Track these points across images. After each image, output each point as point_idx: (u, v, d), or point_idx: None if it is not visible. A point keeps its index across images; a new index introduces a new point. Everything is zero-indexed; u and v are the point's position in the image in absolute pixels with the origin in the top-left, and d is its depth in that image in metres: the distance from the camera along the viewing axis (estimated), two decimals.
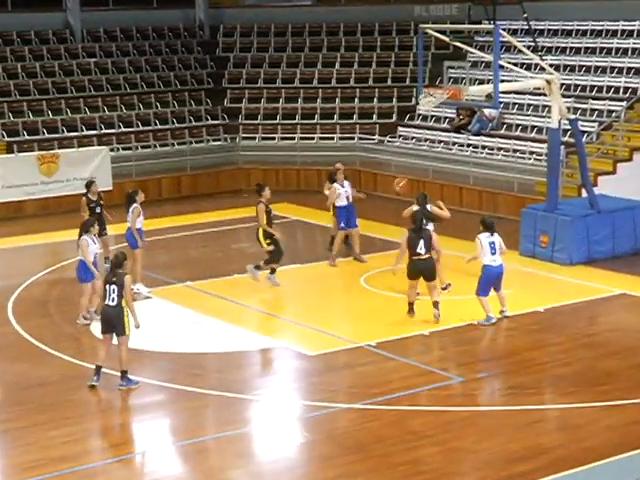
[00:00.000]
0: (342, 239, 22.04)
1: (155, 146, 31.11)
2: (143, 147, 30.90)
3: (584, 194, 23.12)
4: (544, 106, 27.68)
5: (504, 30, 26.38)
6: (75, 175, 28.09)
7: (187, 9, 37.19)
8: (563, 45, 30.99)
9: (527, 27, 28.70)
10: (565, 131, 23.90)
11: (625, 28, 30.19)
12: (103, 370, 15.32)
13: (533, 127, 28.27)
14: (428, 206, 19.68)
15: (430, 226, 19.29)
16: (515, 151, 27.41)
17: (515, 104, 29.43)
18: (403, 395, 14.82)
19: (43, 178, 27.98)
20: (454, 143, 29.49)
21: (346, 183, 22.12)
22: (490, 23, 29.23)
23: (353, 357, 16.55)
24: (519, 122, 28.88)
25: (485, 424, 14.08)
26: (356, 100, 32.90)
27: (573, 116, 23.23)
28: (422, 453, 13.04)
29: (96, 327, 16.67)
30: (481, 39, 31.45)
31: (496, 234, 17.93)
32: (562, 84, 24.07)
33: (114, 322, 15.12)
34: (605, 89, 28.43)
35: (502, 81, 22.84)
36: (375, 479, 12.44)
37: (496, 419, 14.16)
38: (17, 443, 13.67)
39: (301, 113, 32.75)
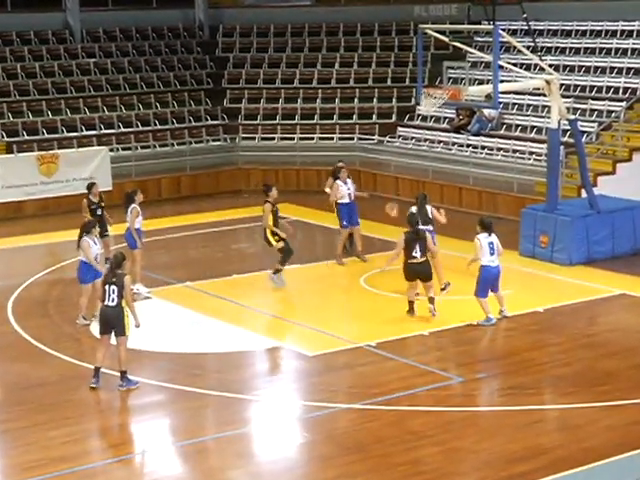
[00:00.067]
0: (346, 237, 22.06)
1: (155, 146, 31.12)
2: (143, 147, 30.90)
3: (584, 194, 23.12)
4: (544, 106, 27.68)
5: (503, 30, 26.39)
6: (75, 175, 28.10)
7: (187, 9, 37.20)
8: (562, 45, 31.00)
9: (527, 27, 28.71)
10: (565, 131, 23.89)
11: (624, 28, 30.20)
12: (102, 370, 15.32)
13: (533, 127, 28.27)
14: (428, 207, 19.68)
15: (430, 226, 19.32)
16: (515, 151, 27.42)
17: (515, 104, 29.44)
18: (403, 395, 14.82)
19: (43, 178, 27.98)
20: (454, 143, 29.50)
21: (349, 181, 22.14)
22: (489, 23, 29.29)
23: (353, 357, 16.55)
24: (519, 122, 28.89)
25: (485, 424, 14.09)
26: (356, 100, 32.91)
27: (573, 116, 23.22)
28: (422, 453, 13.04)
29: (96, 327, 16.65)
30: (481, 39, 31.45)
31: (493, 234, 17.93)
32: (561, 84, 24.06)
33: (114, 322, 15.11)
34: (605, 89, 28.44)
35: (502, 81, 22.85)
36: (375, 479, 12.44)
37: (496, 419, 14.16)
38: (17, 443, 13.66)
39: (301, 113, 32.76)
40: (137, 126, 31.51)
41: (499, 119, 29.27)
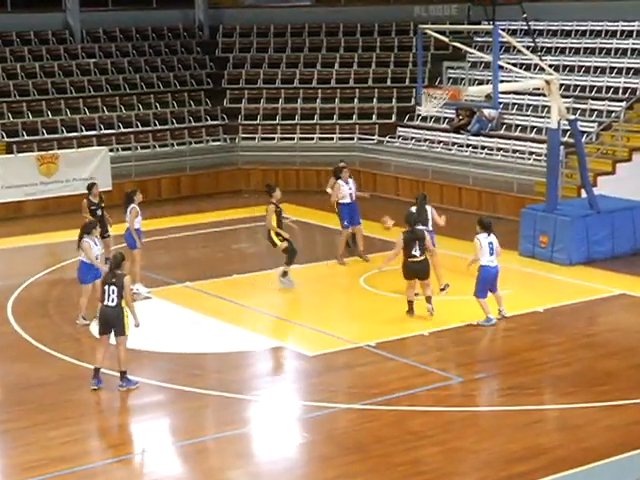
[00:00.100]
0: (347, 237, 22.07)
1: (154, 146, 31.13)
2: (142, 147, 30.91)
3: (584, 194, 23.12)
4: (543, 106, 27.68)
5: (503, 30, 26.39)
6: (75, 175, 28.10)
7: (186, 9, 37.20)
8: (562, 45, 31.01)
9: (526, 27, 28.69)
10: (564, 131, 23.89)
11: (624, 29, 30.20)
12: (102, 371, 15.31)
13: (532, 127, 28.28)
14: (428, 207, 19.68)
15: (429, 226, 19.32)
16: (514, 151, 27.42)
17: (514, 104, 29.45)
18: (403, 395, 14.82)
19: (43, 178, 27.98)
20: (453, 143, 29.50)
21: (350, 181, 22.14)
22: (489, 23, 29.26)
23: (353, 357, 16.55)
24: (518, 122, 28.90)
25: (485, 424, 14.09)
26: (355, 100, 32.91)
27: (572, 116, 23.23)
28: (422, 453, 13.04)
29: (96, 327, 16.63)
30: (480, 39, 31.46)
31: (493, 234, 17.92)
32: (561, 84, 24.07)
33: (113, 322, 15.11)
34: (604, 89, 28.45)
35: (501, 81, 22.85)
36: (375, 479, 12.44)
37: (496, 419, 14.17)
38: (17, 443, 13.66)
39: (300, 113, 32.77)
40: (137, 126, 31.51)
41: (499, 119, 29.27)
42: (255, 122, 32.67)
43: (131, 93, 32.79)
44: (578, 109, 27.57)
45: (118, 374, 15.26)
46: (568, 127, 23.14)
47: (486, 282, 17.83)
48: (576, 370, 15.81)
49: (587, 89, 28.79)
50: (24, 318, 18.78)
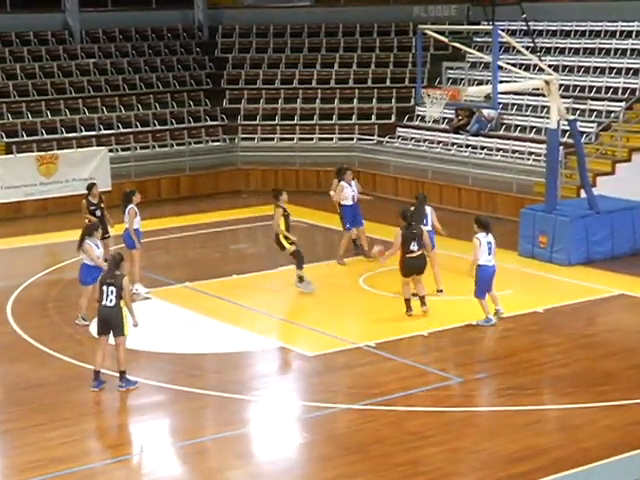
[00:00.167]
0: (349, 239, 22.07)
1: (154, 147, 31.13)
2: (142, 148, 30.90)
3: (583, 195, 23.12)
4: (543, 107, 27.68)
5: (503, 31, 26.36)
6: (74, 176, 28.08)
7: (186, 10, 37.18)
8: (562, 46, 31.00)
9: (526, 28, 28.71)
10: (564, 132, 23.88)
11: (624, 29, 30.20)
12: (102, 371, 15.31)
13: (532, 128, 28.28)
14: (428, 208, 19.68)
15: (429, 226, 19.33)
16: (514, 152, 27.42)
17: (514, 105, 29.45)
18: (402, 396, 14.82)
19: (42, 179, 27.97)
20: (453, 144, 29.50)
21: (353, 183, 22.15)
22: (489, 24, 29.27)
23: (352, 358, 16.55)
24: (518, 123, 28.90)
25: (484, 425, 14.10)
26: (355, 101, 32.91)
27: (572, 117, 23.24)
28: (421, 453, 13.05)
29: (95, 328, 16.63)
30: (480, 40, 31.43)
31: (490, 234, 17.91)
32: (561, 85, 24.07)
33: (112, 323, 15.10)
34: (604, 90, 28.45)
35: (501, 82, 22.85)
36: (374, 479, 12.43)
37: (495, 419, 14.17)
38: (16, 444, 13.66)
39: (300, 114, 32.77)
40: (136, 127, 31.51)
41: (498, 119, 29.28)
42: (254, 122, 32.67)
43: (130, 93, 32.79)
44: (577, 109, 27.57)
45: (117, 374, 15.26)
46: (567, 127, 23.13)
47: (485, 282, 17.82)
48: (575, 370, 15.81)
49: (586, 89, 28.79)
50: (23, 318, 18.78)
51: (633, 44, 29.42)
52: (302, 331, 18.22)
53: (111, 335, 15.19)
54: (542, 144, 25.45)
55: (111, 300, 15.03)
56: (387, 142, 30.89)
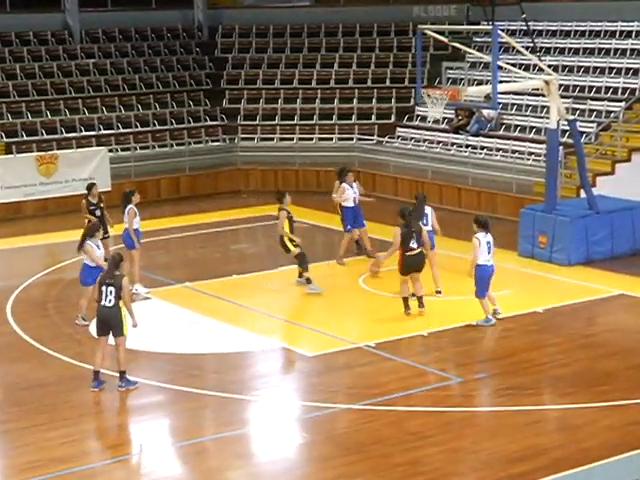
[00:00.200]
0: (349, 240, 22.06)
1: (154, 147, 31.13)
2: (142, 148, 30.90)
3: (583, 195, 23.12)
4: (543, 107, 27.68)
5: (502, 31, 26.35)
6: (74, 176, 28.08)
7: (186, 10, 37.18)
8: (562, 46, 31.00)
9: (525, 28, 28.71)
10: (564, 132, 23.89)
11: (624, 29, 30.19)
12: (102, 371, 15.31)
13: (532, 128, 28.28)
14: (428, 208, 19.68)
15: (429, 226, 19.33)
16: (514, 152, 27.42)
17: (514, 105, 29.45)
18: (402, 396, 14.82)
19: (42, 179, 27.97)
20: (453, 144, 29.50)
21: (355, 184, 22.14)
22: (489, 24, 29.27)
23: (352, 358, 16.54)
24: (518, 123, 28.90)
25: (484, 425, 14.10)
26: (355, 101, 32.91)
27: (572, 117, 23.24)
28: (421, 453, 13.04)
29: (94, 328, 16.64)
30: (480, 40, 31.44)
31: (489, 233, 17.91)
32: (560, 85, 24.08)
33: (111, 323, 15.10)
34: (604, 90, 28.45)
35: (501, 82, 22.85)
36: (374, 479, 12.43)
37: (495, 419, 14.17)
38: (16, 444, 13.66)
39: (300, 114, 32.76)
40: (136, 127, 31.51)
41: (498, 119, 29.28)
42: (254, 122, 32.67)
43: (130, 93, 32.78)
44: (577, 109, 27.57)
45: (117, 374, 15.26)
46: (567, 127, 23.13)
47: (485, 281, 17.82)
48: (575, 370, 15.81)
49: (586, 89, 28.79)
50: (23, 318, 18.78)
51: (633, 44, 29.42)
52: (302, 331, 18.22)
53: (111, 335, 15.19)
54: (542, 144, 25.46)
55: (110, 300, 15.03)
56: (387, 142, 30.89)
